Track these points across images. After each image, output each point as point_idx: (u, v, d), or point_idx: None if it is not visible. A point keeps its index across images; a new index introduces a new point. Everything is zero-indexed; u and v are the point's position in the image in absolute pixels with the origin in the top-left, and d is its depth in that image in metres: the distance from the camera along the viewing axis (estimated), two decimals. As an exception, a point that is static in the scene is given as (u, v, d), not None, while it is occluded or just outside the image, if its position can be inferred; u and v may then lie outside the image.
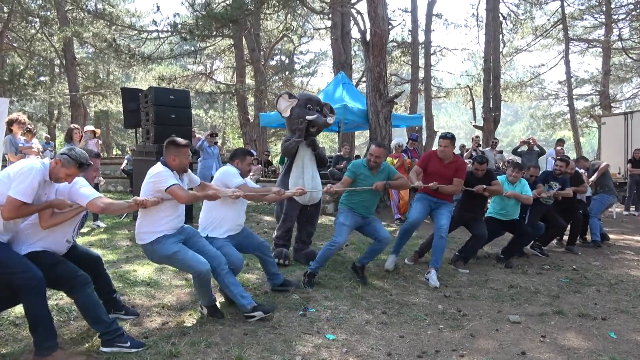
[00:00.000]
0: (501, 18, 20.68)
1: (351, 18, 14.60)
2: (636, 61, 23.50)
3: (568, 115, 25.02)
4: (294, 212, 5.46)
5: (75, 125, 7.18)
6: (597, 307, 4.41)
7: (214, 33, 18.07)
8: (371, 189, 4.71)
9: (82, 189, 3.10)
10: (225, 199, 3.93)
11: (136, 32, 22.05)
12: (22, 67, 20.76)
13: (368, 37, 10.63)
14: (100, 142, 8.79)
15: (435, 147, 6.36)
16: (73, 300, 3.21)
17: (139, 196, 3.46)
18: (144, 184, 3.51)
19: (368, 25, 10.74)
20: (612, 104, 23.32)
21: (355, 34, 17.65)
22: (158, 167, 3.54)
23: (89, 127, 8.64)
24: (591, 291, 4.94)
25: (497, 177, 5.94)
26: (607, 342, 3.59)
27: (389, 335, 3.60)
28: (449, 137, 5.31)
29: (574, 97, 24.22)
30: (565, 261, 6.23)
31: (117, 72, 28.04)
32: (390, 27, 15.95)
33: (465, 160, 7.42)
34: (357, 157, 13.16)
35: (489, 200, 6.16)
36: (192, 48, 23.04)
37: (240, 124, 20.83)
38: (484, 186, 5.54)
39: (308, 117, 5.33)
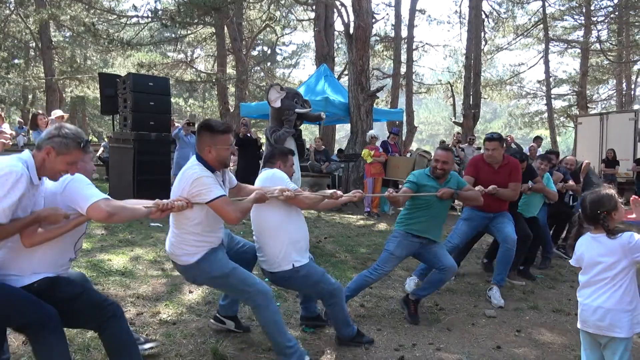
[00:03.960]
0: (483, 16, 20.92)
1: (335, 10, 14.54)
2: (613, 63, 24.00)
3: (546, 115, 25.50)
4: None
5: (39, 111, 6.92)
6: (571, 302, 4.48)
7: (196, 20, 17.79)
8: (436, 196, 3.77)
9: (84, 189, 2.20)
10: (290, 212, 3.12)
11: (115, 16, 21.56)
12: (-6, 49, 20.14)
13: (351, 30, 10.61)
14: None
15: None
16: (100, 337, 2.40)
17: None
18: (176, 188, 2.65)
19: (352, 18, 10.73)
20: (588, 105, 23.86)
21: (338, 26, 17.58)
22: (193, 167, 2.63)
23: (58, 112, 8.25)
24: (565, 287, 5.03)
25: None
26: (580, 337, 3.65)
27: (367, 328, 3.60)
28: (497, 139, 4.52)
29: (552, 96, 24.68)
30: (540, 258, 6.29)
31: (95, 58, 27.38)
32: (373, 20, 15.95)
33: None
34: (340, 150, 13.10)
35: None
36: (173, 35, 22.64)
37: (220, 113, 20.59)
38: (530, 185, 4.92)
39: (299, 110, 5.49)
